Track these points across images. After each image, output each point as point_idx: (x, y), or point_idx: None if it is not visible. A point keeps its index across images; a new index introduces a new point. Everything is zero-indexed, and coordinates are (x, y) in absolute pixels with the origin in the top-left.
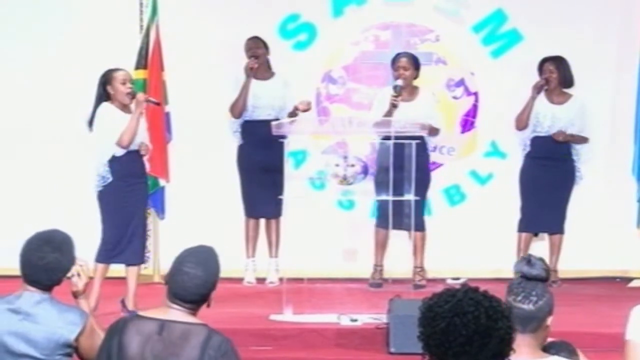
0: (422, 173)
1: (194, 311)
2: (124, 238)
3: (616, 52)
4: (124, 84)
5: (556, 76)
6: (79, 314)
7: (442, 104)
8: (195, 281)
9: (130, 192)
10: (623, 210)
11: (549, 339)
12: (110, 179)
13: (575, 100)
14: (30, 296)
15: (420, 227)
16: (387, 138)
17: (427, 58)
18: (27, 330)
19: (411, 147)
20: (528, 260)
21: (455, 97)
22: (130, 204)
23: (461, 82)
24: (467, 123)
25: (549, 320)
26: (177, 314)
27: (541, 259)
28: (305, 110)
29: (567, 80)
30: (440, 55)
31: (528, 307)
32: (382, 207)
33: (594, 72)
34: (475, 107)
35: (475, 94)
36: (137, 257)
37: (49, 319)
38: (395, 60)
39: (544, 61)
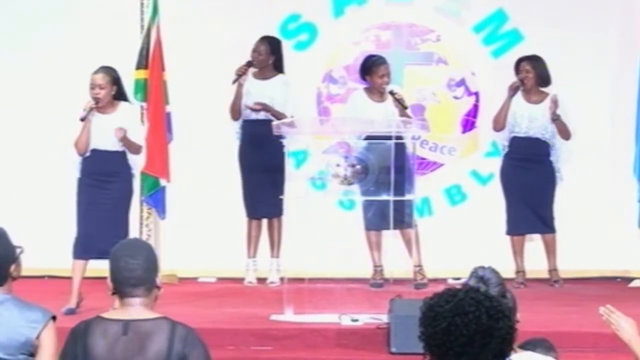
0: (403, 172)
1: (148, 300)
2: (95, 233)
3: (616, 52)
4: (92, 89)
5: (532, 76)
6: (41, 312)
7: (443, 104)
8: (137, 270)
9: (99, 189)
10: (624, 210)
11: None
12: (79, 176)
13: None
14: None
15: (408, 224)
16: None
17: (428, 58)
18: None
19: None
20: (481, 278)
21: (456, 97)
22: (100, 199)
23: (462, 82)
24: (468, 123)
25: (517, 316)
26: (137, 311)
27: (494, 272)
28: (253, 109)
29: (543, 79)
30: (441, 55)
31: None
32: (366, 209)
33: (594, 72)
34: (476, 107)
35: (476, 94)
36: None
37: (11, 319)
38: (379, 64)
39: (520, 61)
